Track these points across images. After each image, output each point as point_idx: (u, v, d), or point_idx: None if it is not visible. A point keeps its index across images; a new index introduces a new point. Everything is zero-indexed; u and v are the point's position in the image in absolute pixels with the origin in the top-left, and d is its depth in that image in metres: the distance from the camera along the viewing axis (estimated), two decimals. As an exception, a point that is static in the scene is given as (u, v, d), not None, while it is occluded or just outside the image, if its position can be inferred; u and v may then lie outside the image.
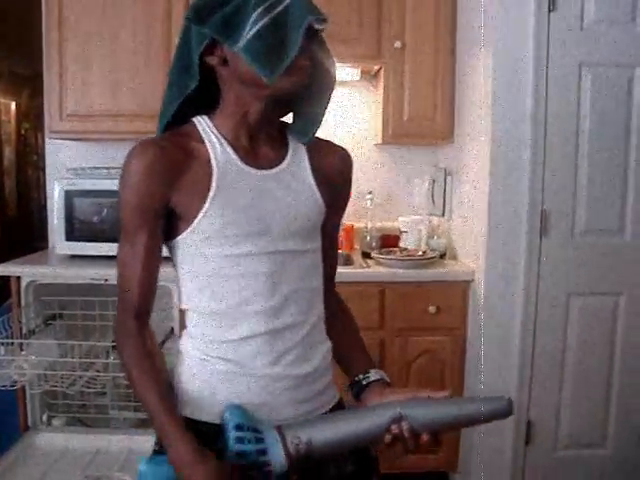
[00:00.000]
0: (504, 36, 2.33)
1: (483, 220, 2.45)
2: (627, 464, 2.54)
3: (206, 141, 1.10)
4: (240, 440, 1.01)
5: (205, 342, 1.12)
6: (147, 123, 2.63)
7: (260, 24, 1.01)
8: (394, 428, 1.04)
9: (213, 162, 1.08)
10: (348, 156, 1.26)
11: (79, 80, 2.70)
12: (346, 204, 1.31)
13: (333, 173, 1.21)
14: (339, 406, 1.21)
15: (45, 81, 2.74)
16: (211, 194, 1.06)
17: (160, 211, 1.08)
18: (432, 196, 3.02)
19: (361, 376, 1.19)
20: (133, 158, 1.07)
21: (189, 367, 1.14)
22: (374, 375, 1.19)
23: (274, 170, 1.13)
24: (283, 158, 1.15)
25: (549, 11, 2.30)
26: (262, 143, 1.14)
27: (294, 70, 1.03)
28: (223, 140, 1.11)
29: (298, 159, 1.17)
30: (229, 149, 1.11)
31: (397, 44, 2.72)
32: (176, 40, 2.76)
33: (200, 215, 1.06)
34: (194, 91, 1.11)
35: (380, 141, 2.89)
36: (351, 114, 3.09)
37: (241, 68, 1.05)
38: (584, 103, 2.36)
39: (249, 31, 1.01)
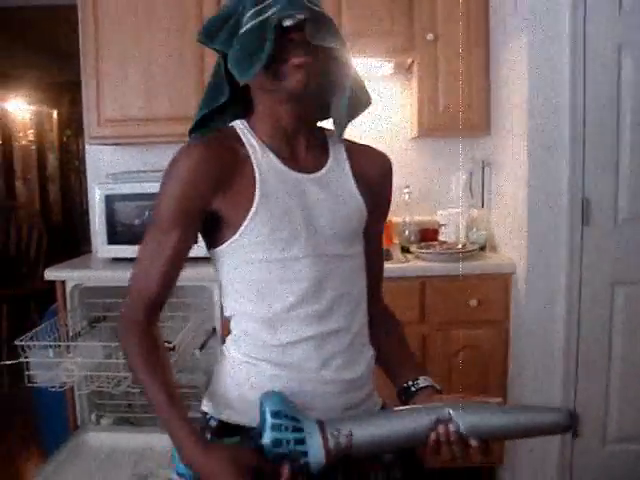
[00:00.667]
0: (539, 23, 2.28)
1: (523, 211, 2.41)
2: (679, 457, 2.48)
3: (247, 145, 1.10)
4: (277, 427, 0.98)
5: (252, 346, 1.11)
6: (181, 126, 2.64)
7: (243, 29, 1.04)
8: (440, 429, 1.00)
9: (255, 166, 1.08)
10: (388, 161, 1.25)
11: (115, 87, 2.75)
12: (388, 210, 1.30)
13: (374, 178, 1.21)
14: None
15: (83, 89, 2.80)
16: (257, 199, 1.06)
17: (198, 214, 1.07)
18: (470, 188, 2.99)
19: (410, 382, 1.17)
20: (181, 156, 1.06)
21: (234, 371, 1.13)
22: (424, 382, 1.17)
23: (316, 174, 1.13)
24: (324, 163, 1.15)
25: (585, -6, 2.25)
26: (301, 148, 1.14)
27: (283, 75, 1.03)
28: (263, 144, 1.11)
29: (339, 164, 1.17)
30: (271, 154, 1.10)
31: (430, 36, 2.69)
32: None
33: (247, 221, 1.06)
34: (229, 100, 1.13)
35: (416, 134, 2.86)
36: (386, 108, 3.07)
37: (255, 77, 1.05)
38: (624, 87, 2.29)
39: (235, 39, 1.05)
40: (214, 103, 1.14)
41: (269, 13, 1.01)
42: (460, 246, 2.70)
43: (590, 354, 2.41)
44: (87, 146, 3.08)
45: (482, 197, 2.98)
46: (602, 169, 2.32)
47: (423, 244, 2.78)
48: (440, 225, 2.89)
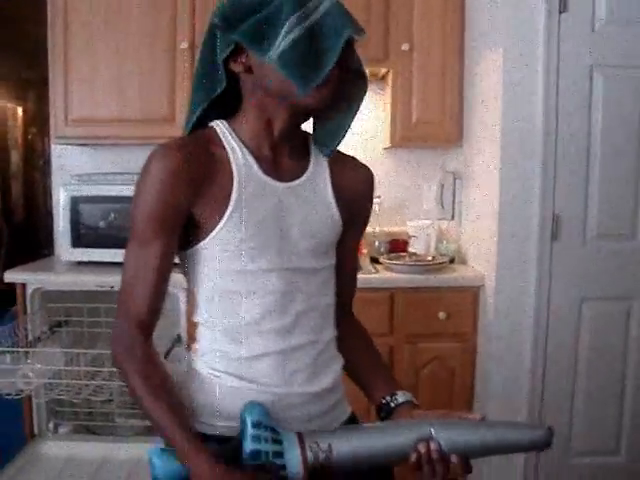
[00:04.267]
0: (514, 38, 2.30)
1: (493, 224, 2.42)
2: (642, 472, 2.50)
3: (227, 147, 1.06)
4: (257, 438, 0.96)
5: (216, 358, 1.09)
6: (152, 128, 2.64)
7: (294, 34, 0.97)
8: (421, 447, 0.98)
9: (234, 169, 1.04)
10: (372, 176, 1.23)
11: (84, 85, 2.69)
12: (366, 224, 1.27)
13: (354, 191, 1.18)
14: (351, 420, 1.19)
15: (50, 86, 2.72)
16: (231, 205, 1.02)
17: (180, 220, 1.03)
18: (441, 200, 2.99)
19: (388, 398, 1.14)
20: (155, 161, 1.01)
21: (200, 383, 1.10)
22: (402, 397, 1.14)
23: (294, 183, 1.10)
24: (304, 170, 1.12)
25: (560, 12, 2.27)
26: (285, 153, 1.10)
27: (323, 86, 1.00)
28: (245, 148, 1.07)
29: (319, 172, 1.14)
30: (250, 158, 1.07)
31: (405, 47, 2.69)
32: (181, 45, 2.74)
33: (219, 227, 1.02)
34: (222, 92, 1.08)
35: (388, 144, 2.86)
36: (359, 117, 3.04)
37: (268, 77, 1.01)
38: (596, 105, 2.32)
39: (282, 41, 0.97)
40: (211, 93, 1.08)
41: (317, 16, 0.99)
42: (430, 258, 2.70)
43: (556, 369, 2.43)
44: (53, 146, 3.00)
45: (453, 209, 2.98)
46: (573, 186, 2.35)
47: (393, 255, 2.77)
48: (410, 236, 2.88)
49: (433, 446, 0.98)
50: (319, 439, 0.98)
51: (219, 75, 1.06)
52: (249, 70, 1.04)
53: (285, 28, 0.97)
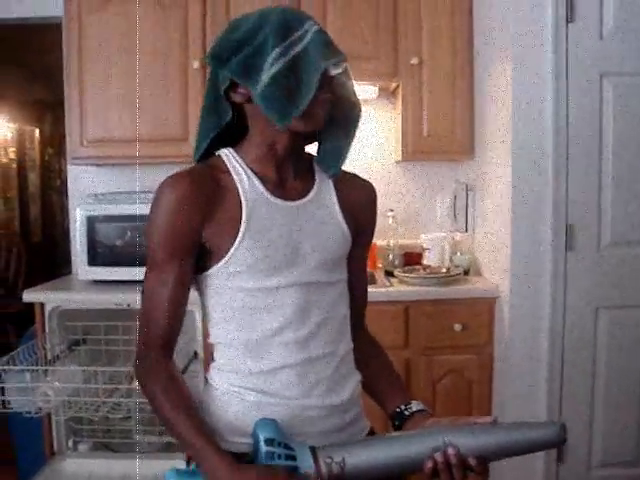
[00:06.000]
0: (522, 49, 2.31)
1: (507, 235, 2.42)
2: (663, 483, 2.47)
3: (233, 174, 1.10)
4: (270, 456, 0.97)
5: (235, 374, 1.11)
6: (166, 147, 2.67)
7: (275, 68, 1.01)
8: (437, 456, 0.98)
9: (242, 195, 1.08)
10: (373, 190, 1.26)
11: (99, 107, 2.73)
12: (371, 238, 1.30)
13: (358, 206, 1.21)
14: (371, 435, 1.19)
15: (66, 108, 2.78)
16: (242, 228, 1.06)
17: (192, 245, 1.07)
18: (454, 212, 3.00)
19: (403, 407, 1.16)
20: (166, 190, 1.05)
21: (218, 399, 1.12)
22: (416, 406, 1.16)
23: (301, 201, 1.13)
24: (310, 189, 1.15)
25: (567, 22, 2.28)
26: (289, 175, 1.14)
27: (309, 113, 1.03)
28: (250, 172, 1.11)
29: (325, 191, 1.17)
30: (257, 181, 1.10)
31: (414, 60, 2.71)
32: (193, 65, 2.78)
33: (232, 250, 1.06)
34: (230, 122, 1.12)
35: (400, 158, 2.87)
36: (371, 132, 3.07)
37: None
38: (606, 114, 2.32)
39: (264, 76, 1.01)
40: (218, 123, 1.12)
41: (299, 49, 1.02)
42: (444, 270, 2.70)
43: (574, 379, 2.41)
44: (69, 166, 3.05)
45: (466, 221, 2.98)
46: (585, 195, 2.34)
47: (407, 268, 2.77)
48: (424, 249, 2.88)
49: (451, 451, 0.98)
50: (332, 453, 0.99)
51: (223, 106, 1.10)
52: (249, 100, 1.07)
53: (267, 63, 1.01)
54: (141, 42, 2.69)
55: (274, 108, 1.01)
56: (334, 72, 1.03)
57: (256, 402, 1.08)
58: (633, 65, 2.31)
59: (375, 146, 3.08)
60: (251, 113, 1.10)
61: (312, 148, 1.20)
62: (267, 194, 1.10)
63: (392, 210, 2.94)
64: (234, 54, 1.04)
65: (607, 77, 2.31)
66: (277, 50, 1.01)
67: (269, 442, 0.98)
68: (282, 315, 1.08)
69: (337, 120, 1.12)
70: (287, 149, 1.11)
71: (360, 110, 1.14)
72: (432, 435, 1.01)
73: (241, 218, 1.06)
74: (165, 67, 2.70)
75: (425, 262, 2.85)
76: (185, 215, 1.04)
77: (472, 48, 2.75)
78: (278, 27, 1.02)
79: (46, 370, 2.28)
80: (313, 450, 0.99)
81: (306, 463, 0.97)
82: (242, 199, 1.08)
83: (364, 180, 1.26)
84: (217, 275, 1.08)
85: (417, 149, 2.79)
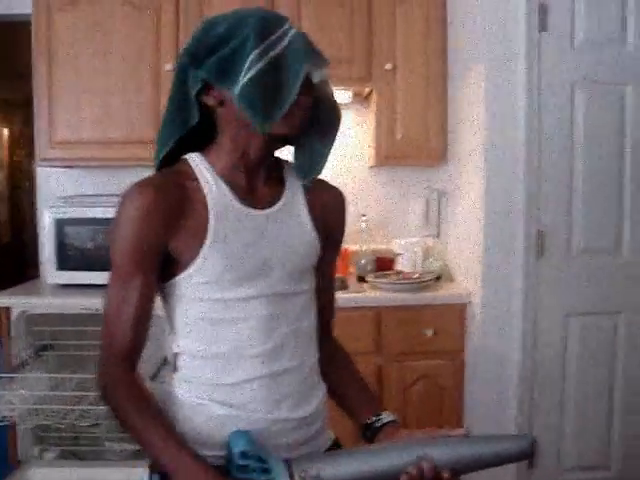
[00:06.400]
0: (495, 57, 2.33)
1: (478, 241, 2.43)
2: (631, 487, 2.50)
3: (201, 181, 1.06)
4: (244, 469, 0.95)
5: (201, 386, 1.08)
6: (136, 150, 2.63)
7: (255, 69, 0.98)
8: (412, 469, 0.97)
9: (209, 203, 1.05)
10: (342, 196, 1.24)
11: (68, 107, 2.68)
12: (340, 245, 1.28)
13: (329, 213, 1.19)
14: (335, 446, 1.18)
15: (34, 108, 2.72)
16: (209, 238, 1.03)
17: (157, 256, 1.03)
18: (427, 218, 3.00)
19: (373, 418, 1.14)
20: (129, 200, 1.02)
21: (184, 412, 1.09)
22: (387, 417, 1.14)
23: (271, 210, 1.10)
24: (280, 196, 1.12)
25: (539, 31, 2.30)
26: (260, 181, 1.11)
27: (290, 116, 1.01)
28: (219, 180, 1.07)
29: (295, 197, 1.14)
30: (226, 189, 1.07)
31: (388, 66, 2.71)
32: (165, 67, 2.74)
33: (198, 260, 1.03)
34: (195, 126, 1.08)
35: (373, 163, 2.87)
36: (344, 136, 3.07)
37: (238, 111, 1.01)
38: (577, 122, 2.36)
39: (243, 77, 0.98)
40: (183, 127, 1.07)
41: (279, 50, 1.00)
42: (416, 276, 2.70)
43: (544, 384, 2.43)
44: (38, 168, 2.99)
45: (438, 226, 2.99)
46: (557, 202, 2.36)
47: (379, 274, 2.77)
48: (396, 254, 2.88)
49: (426, 465, 0.97)
50: (307, 466, 0.97)
51: (192, 109, 1.06)
52: (222, 104, 1.04)
53: (247, 63, 0.99)
54: (112, 43, 2.66)
55: (256, 109, 0.98)
56: (318, 79, 1.01)
57: (223, 415, 1.06)
58: (604, 74, 2.34)
59: (349, 150, 3.07)
60: (223, 117, 1.06)
61: (281, 153, 1.18)
62: (236, 202, 1.07)
63: (365, 215, 2.94)
64: (211, 54, 1.01)
65: (579, 86, 2.34)
66: (256, 51, 0.99)
67: (243, 455, 0.96)
68: (248, 327, 1.05)
69: (317, 124, 1.09)
70: (260, 155, 1.08)
71: (340, 114, 1.12)
72: (407, 448, 1.00)
73: (207, 227, 1.03)
74: (137, 69, 2.66)
75: (397, 267, 2.85)
76: (150, 226, 1.01)
77: (446, 55, 2.75)
78: (257, 27, 1.00)
79: (12, 377, 2.23)
80: (288, 463, 0.97)
81: (281, 477, 0.95)
82: (209, 207, 1.04)
83: (332, 185, 1.24)
84: (182, 284, 1.05)
85: (390, 154, 2.79)
